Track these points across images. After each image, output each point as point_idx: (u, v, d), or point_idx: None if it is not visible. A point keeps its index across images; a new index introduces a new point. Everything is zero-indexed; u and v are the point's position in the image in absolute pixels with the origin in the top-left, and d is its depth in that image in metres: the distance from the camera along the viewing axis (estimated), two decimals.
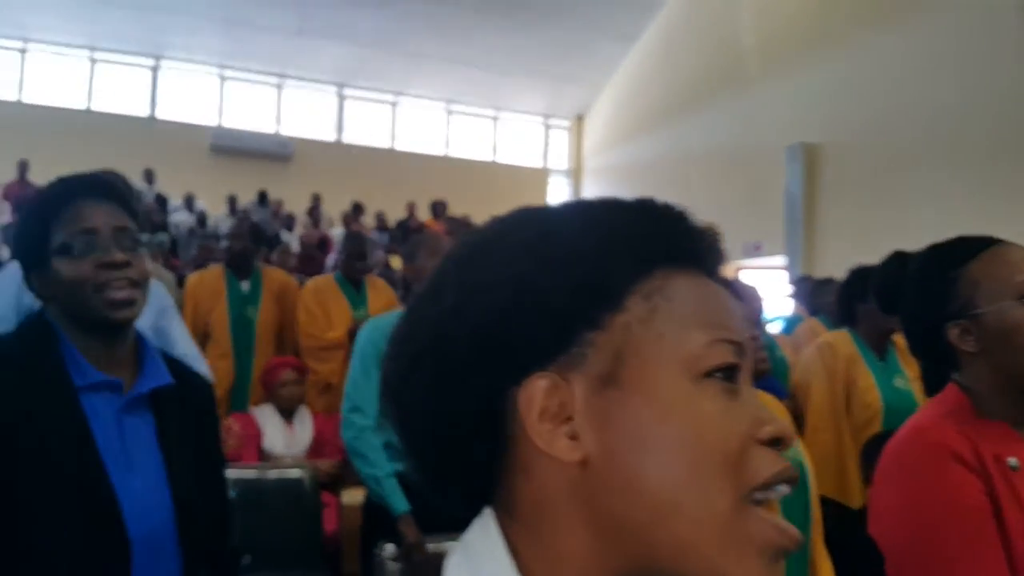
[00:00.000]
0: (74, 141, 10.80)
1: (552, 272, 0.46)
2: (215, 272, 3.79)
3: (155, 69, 12.90)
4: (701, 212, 0.53)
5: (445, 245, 2.51)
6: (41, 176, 9.67)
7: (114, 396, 1.12)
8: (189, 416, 1.19)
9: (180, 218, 10.24)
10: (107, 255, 1.10)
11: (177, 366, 1.22)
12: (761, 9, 9.92)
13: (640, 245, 0.48)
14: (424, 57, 12.92)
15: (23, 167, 9.83)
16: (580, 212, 0.51)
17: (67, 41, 12.16)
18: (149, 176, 10.56)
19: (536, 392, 0.46)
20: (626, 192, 0.53)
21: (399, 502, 2.23)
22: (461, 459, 0.48)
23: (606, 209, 0.51)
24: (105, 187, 1.15)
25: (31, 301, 1.23)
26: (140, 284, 1.13)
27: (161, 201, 10.37)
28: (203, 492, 1.15)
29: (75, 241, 1.11)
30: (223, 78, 13.26)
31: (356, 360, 2.37)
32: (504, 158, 15.15)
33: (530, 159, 15.43)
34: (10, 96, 11.99)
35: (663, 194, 0.53)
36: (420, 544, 2.09)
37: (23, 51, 12.19)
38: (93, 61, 12.58)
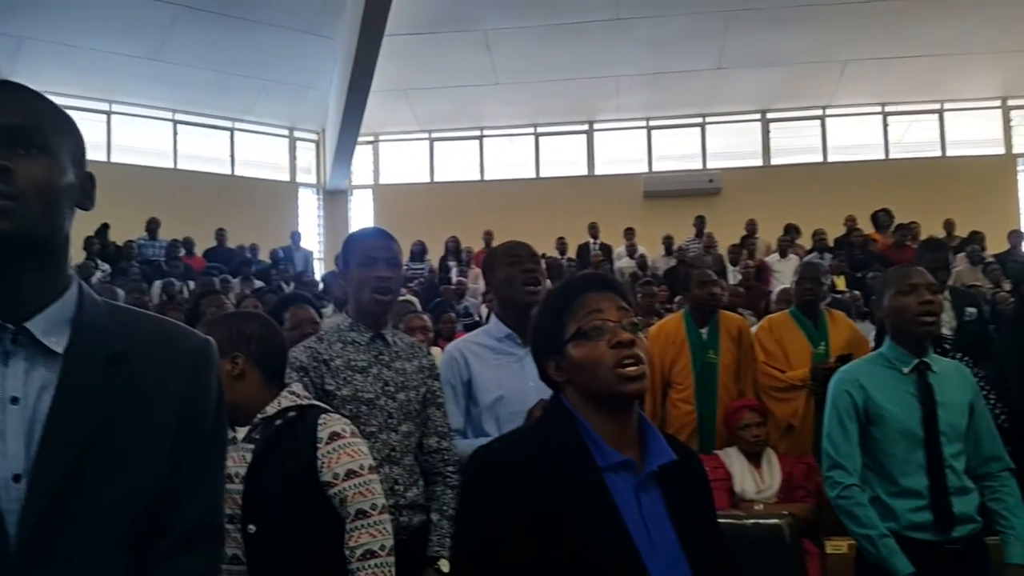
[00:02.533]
0: (526, 205, 12.47)
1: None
2: (675, 320, 3.96)
3: (589, 132, 14.26)
4: None
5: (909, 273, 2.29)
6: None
7: (629, 475, 1.20)
8: (691, 490, 1.25)
9: (623, 264, 11.02)
10: (616, 336, 1.23)
11: (670, 440, 1.30)
12: None
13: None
14: (855, 62, 12.14)
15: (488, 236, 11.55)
16: None
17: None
18: (594, 230, 11.56)
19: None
20: None
21: (901, 563, 2.07)
22: None
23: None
24: (604, 281, 1.33)
25: None
26: (642, 361, 1.23)
27: (606, 250, 11.30)
28: (718, 568, 1.19)
29: (589, 326, 1.25)
30: (649, 128, 14.07)
31: (831, 412, 2.27)
32: (955, 150, 13.31)
33: (984, 147, 13.30)
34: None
35: None
36: None
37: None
38: (537, 135, 14.38)
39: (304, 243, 12.44)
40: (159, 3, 10.45)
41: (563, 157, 14.35)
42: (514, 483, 1.18)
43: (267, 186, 13.76)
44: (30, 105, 0.99)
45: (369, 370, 2.17)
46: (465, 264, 10.97)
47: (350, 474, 1.69)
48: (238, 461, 1.67)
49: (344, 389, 2.12)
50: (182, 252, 9.90)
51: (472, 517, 1.24)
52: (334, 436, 1.71)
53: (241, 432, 1.71)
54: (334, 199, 14.79)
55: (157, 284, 7.61)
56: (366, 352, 2.19)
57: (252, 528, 1.60)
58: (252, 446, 1.69)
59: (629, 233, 11.42)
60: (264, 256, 11.22)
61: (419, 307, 5.58)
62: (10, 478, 0.90)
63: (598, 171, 14.21)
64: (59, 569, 0.91)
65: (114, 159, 11.91)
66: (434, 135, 14.72)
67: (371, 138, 14.64)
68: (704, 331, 3.79)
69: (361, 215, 14.92)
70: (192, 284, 8.57)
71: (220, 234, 11.09)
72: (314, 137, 14.57)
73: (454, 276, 10.43)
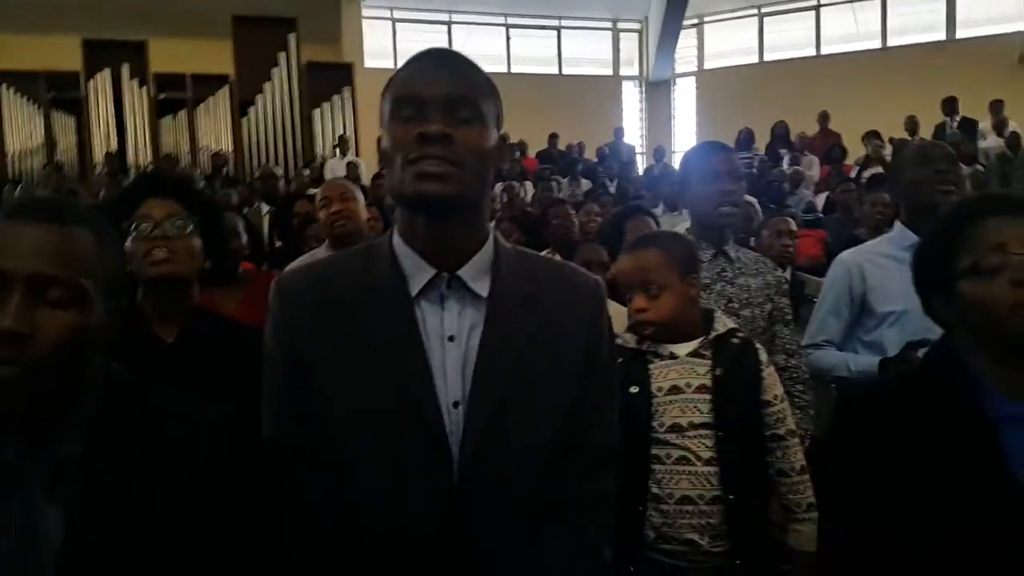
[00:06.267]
0: (869, 80, 11.15)
1: None
2: None
3: None
4: None
5: None
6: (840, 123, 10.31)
7: None
8: None
9: (988, 144, 9.48)
10: (1020, 273, 1.06)
11: None
12: None
13: None
14: None
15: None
16: None
17: None
18: (951, 106, 10.04)
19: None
20: None
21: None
22: None
23: None
24: (1014, 204, 1.13)
25: None
26: None
27: (968, 127, 9.76)
28: None
29: (988, 262, 1.08)
30: None
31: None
32: None
33: None
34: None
35: None
36: None
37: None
38: None
39: (627, 137, 12.53)
40: None
41: (916, 21, 12.52)
42: (892, 438, 1.12)
43: (592, 82, 13.96)
44: (465, 75, 1.08)
45: (712, 287, 2.18)
46: (798, 151, 10.24)
47: (782, 397, 1.80)
48: (685, 374, 1.74)
49: None
50: (517, 154, 10.52)
51: (850, 476, 1.17)
52: (767, 361, 1.81)
53: (682, 348, 1.77)
54: (657, 90, 14.59)
55: (499, 186, 8.24)
56: (708, 269, 2.20)
57: (721, 434, 1.68)
58: (702, 361, 1.75)
59: (997, 106, 9.72)
60: (590, 154, 11.52)
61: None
62: (451, 404, 1.08)
63: (960, 34, 12.20)
64: (493, 481, 1.08)
65: None
66: (764, 9, 13.69)
67: (695, 20, 14.05)
68: None
69: (684, 104, 14.59)
70: (529, 185, 9.12)
71: (552, 138, 11.54)
72: (637, 27, 14.37)
73: (785, 164, 9.79)
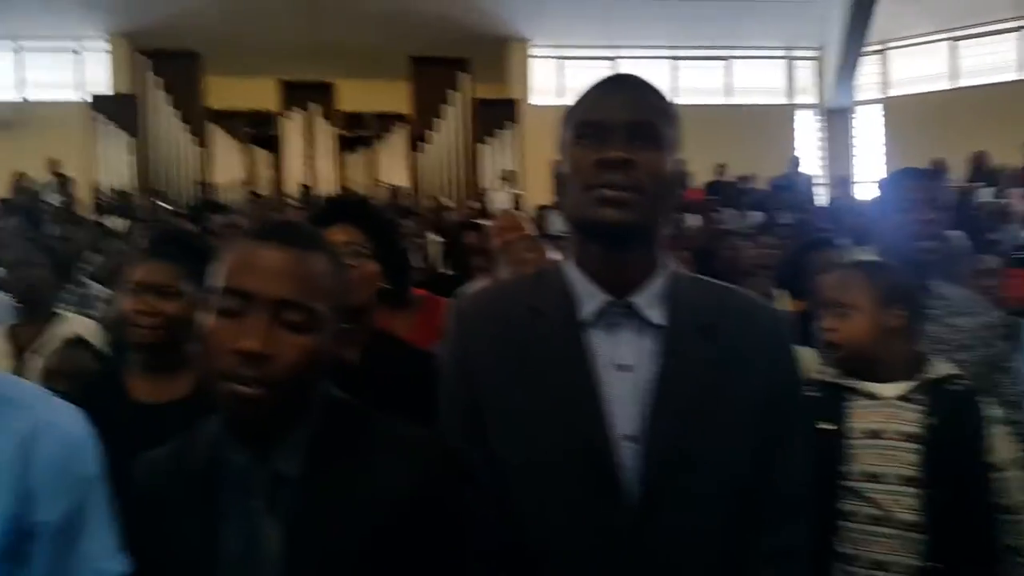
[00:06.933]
0: None
1: None
2: None
3: None
4: None
5: None
6: None
7: None
8: None
9: None
10: None
11: None
12: None
13: None
14: None
15: None
16: None
17: None
18: None
19: None
20: None
21: None
22: None
23: None
24: None
25: None
26: None
27: None
28: None
29: None
30: None
31: None
32: None
33: None
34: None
35: None
36: None
37: None
38: None
39: (803, 168, 11.96)
40: None
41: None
42: None
43: (763, 112, 13.50)
44: (647, 100, 1.07)
45: None
46: (1001, 183, 9.30)
47: (1013, 463, 1.57)
48: (889, 418, 1.56)
49: None
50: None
51: None
52: (995, 417, 1.61)
53: (888, 389, 1.60)
54: (835, 118, 13.87)
55: None
56: None
57: (931, 494, 1.48)
58: (912, 406, 1.57)
59: None
60: (761, 185, 11.08)
61: None
62: (624, 438, 1.03)
63: None
64: (673, 522, 1.01)
65: None
66: (956, 32, 12.72)
67: (878, 47, 13.29)
68: None
69: (867, 133, 13.77)
70: (693, 217, 8.88)
71: (719, 168, 11.22)
72: (813, 54, 13.78)
73: (986, 196, 8.91)
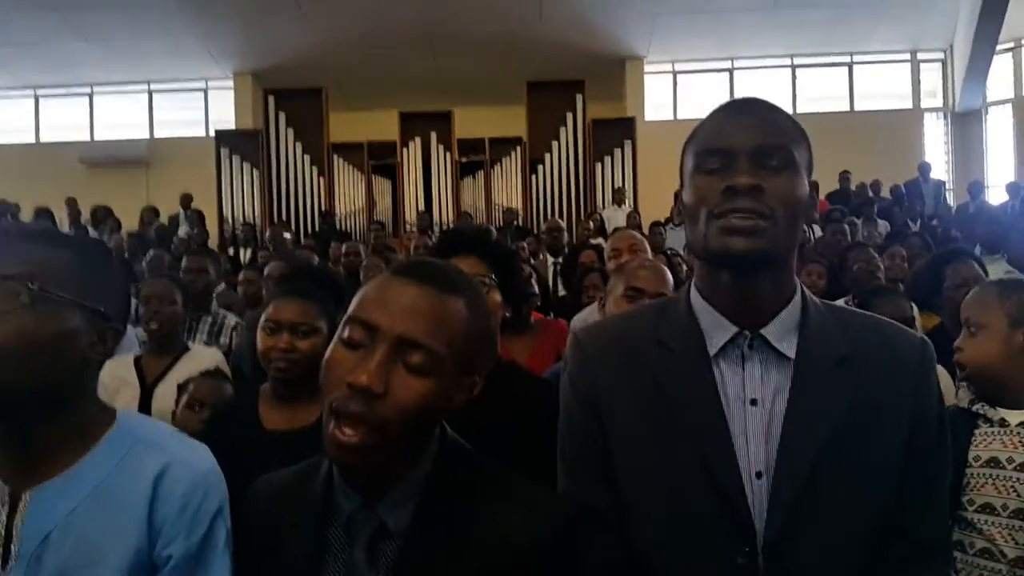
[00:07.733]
0: None
1: None
2: None
3: None
4: None
5: None
6: None
7: None
8: None
9: None
10: None
11: None
12: None
13: None
14: None
15: None
16: None
17: None
18: None
19: None
20: None
21: None
22: None
23: None
24: None
25: None
26: None
27: None
28: None
29: None
30: None
31: None
32: None
33: None
34: None
35: None
36: None
37: None
38: None
39: (932, 174, 11.25)
40: None
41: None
42: None
43: (887, 117, 12.82)
44: (774, 121, 1.02)
45: None
46: None
47: None
48: (1011, 446, 1.48)
49: None
50: None
51: None
52: None
53: (1015, 416, 1.51)
54: (965, 121, 13.01)
55: None
56: None
57: None
58: None
59: None
60: (886, 192, 10.50)
61: None
62: (754, 475, 0.99)
63: None
64: (804, 562, 0.97)
65: None
66: None
67: (1011, 45, 12.38)
68: None
69: (998, 136, 12.83)
70: (817, 229, 8.51)
71: (843, 177, 10.75)
72: (940, 56, 13.00)
73: None
